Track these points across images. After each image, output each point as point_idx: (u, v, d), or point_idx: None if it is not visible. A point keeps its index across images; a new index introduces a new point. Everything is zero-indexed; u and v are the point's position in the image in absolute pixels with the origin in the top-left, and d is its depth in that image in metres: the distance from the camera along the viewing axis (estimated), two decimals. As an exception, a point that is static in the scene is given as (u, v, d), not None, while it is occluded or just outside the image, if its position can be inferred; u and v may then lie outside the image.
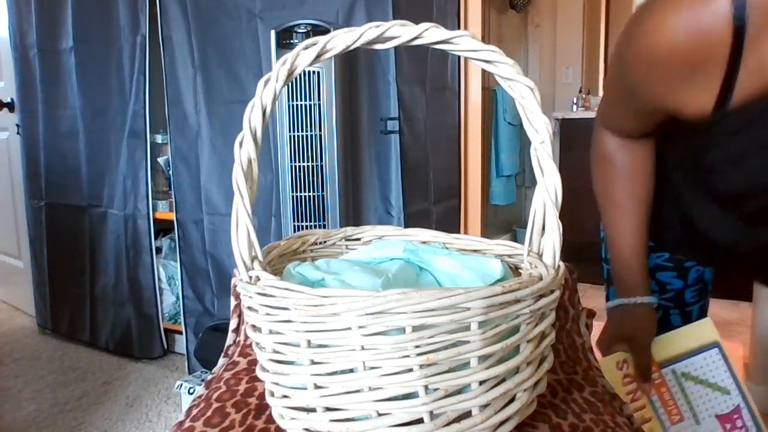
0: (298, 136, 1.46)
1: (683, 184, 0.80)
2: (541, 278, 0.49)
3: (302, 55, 0.51)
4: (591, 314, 0.82)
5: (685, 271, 0.93)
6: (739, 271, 0.92)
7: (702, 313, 0.97)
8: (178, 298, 2.13)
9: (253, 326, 0.53)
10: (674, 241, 0.87)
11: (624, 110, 0.74)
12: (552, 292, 0.50)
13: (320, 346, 0.47)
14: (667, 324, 0.94)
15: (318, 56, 0.51)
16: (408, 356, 0.45)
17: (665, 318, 0.94)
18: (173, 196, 2.02)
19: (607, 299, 1.00)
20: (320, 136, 1.46)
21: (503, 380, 0.49)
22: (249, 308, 0.52)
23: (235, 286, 0.66)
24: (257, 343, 0.53)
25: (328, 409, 0.48)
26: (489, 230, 3.55)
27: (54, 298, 2.42)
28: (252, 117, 0.51)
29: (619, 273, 0.83)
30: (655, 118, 0.70)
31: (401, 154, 1.64)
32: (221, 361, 0.75)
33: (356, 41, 0.51)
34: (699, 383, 0.77)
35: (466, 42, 0.51)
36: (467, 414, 0.48)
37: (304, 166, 1.47)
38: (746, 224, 0.74)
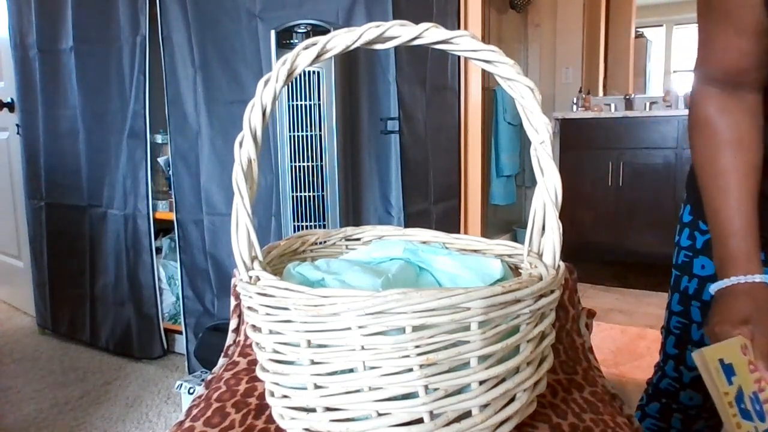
0: (298, 136, 1.46)
1: None
2: (541, 278, 0.49)
3: (302, 55, 0.51)
4: (591, 314, 0.82)
5: None
6: None
7: None
8: (178, 298, 2.13)
9: (253, 326, 0.53)
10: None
11: (724, 27, 0.69)
12: (552, 292, 0.50)
13: (320, 346, 0.47)
14: None
15: (318, 56, 0.51)
16: (408, 356, 0.45)
17: None
18: (173, 196, 2.02)
19: (669, 306, 0.95)
20: (320, 136, 1.46)
21: (503, 380, 0.49)
22: (249, 308, 0.52)
23: (235, 286, 0.66)
24: (257, 343, 0.53)
25: (328, 409, 0.48)
26: (489, 230, 3.55)
27: (54, 298, 2.42)
28: (252, 117, 0.51)
29: (728, 249, 0.72)
30: (762, 17, 0.65)
31: (401, 154, 1.64)
32: (221, 361, 0.75)
33: (356, 41, 0.51)
34: None
35: (466, 42, 0.51)
36: (467, 414, 0.48)
37: (304, 166, 1.47)
38: None
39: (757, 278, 0.68)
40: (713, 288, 0.72)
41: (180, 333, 2.15)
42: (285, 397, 0.51)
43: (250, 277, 0.51)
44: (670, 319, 0.96)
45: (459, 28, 1.86)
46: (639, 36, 3.88)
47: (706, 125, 0.74)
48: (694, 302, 0.91)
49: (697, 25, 0.74)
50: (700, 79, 0.75)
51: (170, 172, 2.03)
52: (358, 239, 0.75)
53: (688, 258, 0.91)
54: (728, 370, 0.63)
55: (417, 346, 0.44)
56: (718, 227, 0.73)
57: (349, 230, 0.75)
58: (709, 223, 0.75)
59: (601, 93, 3.93)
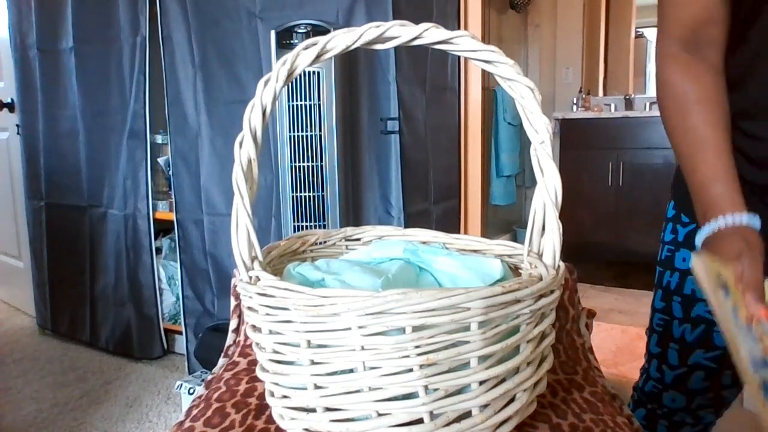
0: (298, 136, 1.46)
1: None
2: (541, 278, 0.49)
3: (302, 55, 0.51)
4: (591, 314, 0.82)
5: None
6: None
7: None
8: (178, 298, 2.13)
9: (253, 326, 0.53)
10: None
11: None
12: (552, 292, 0.50)
13: (320, 346, 0.47)
14: (708, 342, 0.85)
15: (318, 56, 0.51)
16: (408, 356, 0.45)
17: (707, 334, 0.85)
18: (173, 196, 2.02)
19: (652, 304, 0.93)
20: (320, 136, 1.46)
21: (503, 380, 0.49)
22: (249, 308, 0.52)
23: (235, 286, 0.66)
24: (257, 344, 0.53)
25: (328, 409, 0.48)
26: (489, 230, 3.55)
27: (54, 298, 2.42)
28: (252, 117, 0.51)
29: (711, 196, 0.69)
30: None
31: (401, 154, 1.64)
32: (221, 361, 0.75)
33: (356, 41, 0.51)
34: None
35: (466, 42, 0.52)
36: (467, 414, 0.48)
37: (304, 166, 1.47)
38: None
39: (744, 219, 0.66)
40: (699, 237, 0.69)
41: (180, 333, 2.15)
42: (285, 397, 0.51)
43: (250, 278, 0.51)
44: (653, 317, 0.94)
45: (459, 28, 1.86)
46: (639, 36, 3.88)
47: (673, 87, 0.74)
48: (675, 297, 0.89)
49: None
50: (663, 43, 0.76)
51: (170, 172, 2.03)
52: (358, 239, 0.75)
53: (670, 252, 0.90)
54: (725, 288, 0.62)
55: (417, 346, 0.44)
56: (697, 180, 0.71)
57: (349, 230, 0.75)
58: (688, 181, 0.73)
59: (601, 93, 3.93)
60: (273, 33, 1.50)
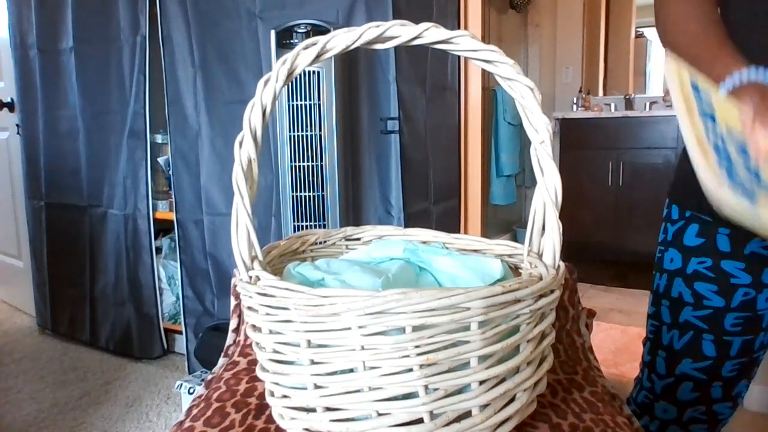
0: (298, 136, 1.46)
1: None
2: (541, 278, 0.49)
3: (302, 55, 0.51)
4: (591, 314, 0.82)
5: (729, 289, 0.78)
6: None
7: (745, 352, 0.82)
8: (178, 298, 2.13)
9: (253, 326, 0.53)
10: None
11: None
12: (552, 292, 0.50)
13: (320, 346, 0.47)
14: (697, 351, 0.83)
15: (318, 56, 0.51)
16: (408, 356, 0.45)
17: (696, 342, 0.83)
18: (173, 196, 2.02)
19: (647, 312, 0.91)
20: (320, 136, 1.46)
21: (503, 380, 0.49)
22: (249, 308, 0.52)
23: (235, 286, 0.66)
24: (257, 343, 0.53)
25: (328, 409, 0.48)
26: (489, 230, 3.55)
27: (54, 298, 2.42)
28: (252, 117, 0.51)
29: (718, 70, 0.66)
30: None
31: (401, 154, 1.64)
32: (221, 361, 0.75)
33: (356, 41, 0.51)
34: None
35: (466, 42, 0.51)
36: (467, 414, 0.48)
37: (304, 166, 1.47)
38: None
39: (753, 74, 0.63)
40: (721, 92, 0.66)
41: (180, 333, 2.15)
42: (285, 397, 0.51)
43: (250, 277, 0.51)
44: (647, 323, 0.92)
45: (459, 28, 1.86)
46: (639, 36, 3.88)
47: (670, 6, 0.76)
48: (663, 301, 0.86)
49: None
50: None
51: (170, 172, 2.03)
52: (358, 239, 0.75)
53: (660, 253, 0.88)
54: (699, 91, 0.59)
55: (417, 346, 0.44)
56: (703, 65, 0.68)
57: (349, 230, 0.75)
58: (697, 66, 0.69)
59: (601, 93, 3.93)
60: (273, 33, 1.50)
